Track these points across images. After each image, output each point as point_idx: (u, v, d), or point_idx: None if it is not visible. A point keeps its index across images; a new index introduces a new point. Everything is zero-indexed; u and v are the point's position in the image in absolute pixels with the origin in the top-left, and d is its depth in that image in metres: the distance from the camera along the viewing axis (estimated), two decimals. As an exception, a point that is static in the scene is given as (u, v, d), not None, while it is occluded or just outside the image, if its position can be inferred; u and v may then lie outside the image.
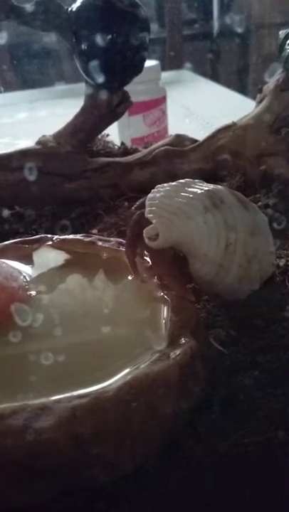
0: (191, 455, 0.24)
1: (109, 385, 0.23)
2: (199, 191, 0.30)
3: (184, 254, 0.30)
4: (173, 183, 0.31)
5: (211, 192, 0.30)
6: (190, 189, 0.30)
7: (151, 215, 0.29)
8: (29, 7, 0.43)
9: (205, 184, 0.31)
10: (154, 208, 0.29)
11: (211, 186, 0.31)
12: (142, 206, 0.31)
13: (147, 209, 0.30)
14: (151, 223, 0.29)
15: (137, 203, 0.32)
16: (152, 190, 0.31)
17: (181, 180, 0.31)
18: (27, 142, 0.50)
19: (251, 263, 0.30)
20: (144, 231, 0.29)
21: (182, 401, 0.24)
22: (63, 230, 0.37)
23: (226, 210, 0.29)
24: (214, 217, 0.29)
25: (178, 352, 0.24)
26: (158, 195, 0.30)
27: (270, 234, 0.32)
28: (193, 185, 0.31)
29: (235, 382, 0.27)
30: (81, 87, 0.47)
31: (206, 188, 0.30)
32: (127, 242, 0.31)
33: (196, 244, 0.29)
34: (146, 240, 0.29)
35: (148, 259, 0.31)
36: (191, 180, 0.31)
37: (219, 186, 0.31)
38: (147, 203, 0.30)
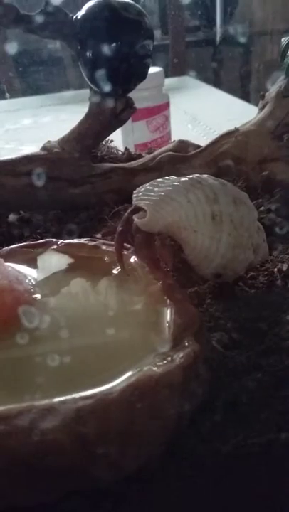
0: (194, 456, 0.24)
1: (114, 386, 0.23)
2: (177, 179, 0.32)
3: (175, 242, 0.32)
4: (152, 181, 0.33)
5: (188, 177, 0.32)
6: (169, 180, 0.32)
7: (138, 202, 0.31)
8: (37, 16, 0.43)
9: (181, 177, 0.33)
10: (140, 194, 0.32)
11: (189, 176, 0.33)
12: (135, 211, 0.32)
13: (134, 201, 0.32)
14: None
15: (130, 209, 0.33)
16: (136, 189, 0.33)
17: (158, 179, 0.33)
18: (32, 148, 0.51)
19: (239, 230, 0.32)
20: (135, 216, 0.31)
21: (185, 403, 0.24)
22: (70, 234, 0.37)
23: (206, 187, 0.31)
24: (196, 195, 0.31)
25: (181, 354, 0.25)
26: (142, 188, 0.32)
27: (254, 207, 0.34)
28: (171, 178, 0.33)
29: (237, 384, 0.27)
30: (86, 93, 0.48)
31: (184, 178, 0.33)
32: (116, 237, 0.32)
33: (184, 223, 0.30)
34: (136, 220, 0.31)
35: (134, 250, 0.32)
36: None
37: (196, 174, 0.33)
38: (133, 196, 0.32)
